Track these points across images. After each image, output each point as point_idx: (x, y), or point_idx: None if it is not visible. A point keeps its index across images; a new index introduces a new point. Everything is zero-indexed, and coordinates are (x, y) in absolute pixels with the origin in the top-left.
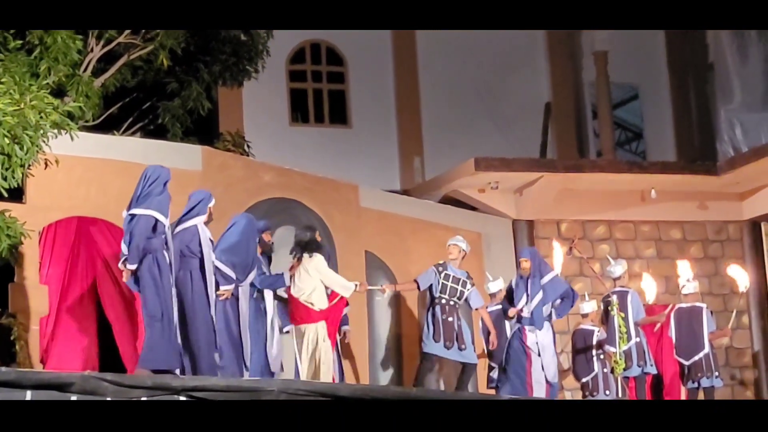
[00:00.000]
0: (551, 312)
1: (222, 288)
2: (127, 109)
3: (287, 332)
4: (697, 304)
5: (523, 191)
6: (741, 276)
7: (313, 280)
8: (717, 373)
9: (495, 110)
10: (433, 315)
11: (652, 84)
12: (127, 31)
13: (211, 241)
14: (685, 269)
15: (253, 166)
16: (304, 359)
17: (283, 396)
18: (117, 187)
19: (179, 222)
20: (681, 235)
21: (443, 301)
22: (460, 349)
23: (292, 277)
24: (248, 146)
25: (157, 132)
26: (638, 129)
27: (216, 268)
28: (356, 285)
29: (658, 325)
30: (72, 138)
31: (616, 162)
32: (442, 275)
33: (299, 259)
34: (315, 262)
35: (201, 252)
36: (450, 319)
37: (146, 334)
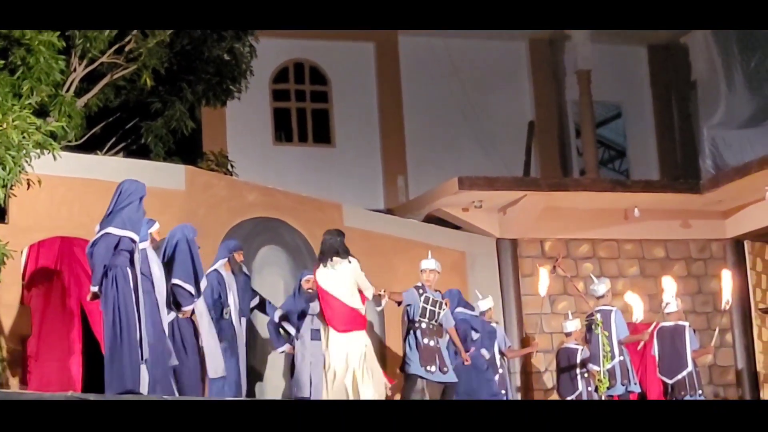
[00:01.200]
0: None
1: (185, 307)
2: (109, 129)
3: (282, 352)
4: (680, 322)
5: (507, 210)
6: (727, 285)
7: (353, 285)
8: (700, 392)
9: (478, 129)
10: (415, 339)
11: (635, 102)
12: (110, 51)
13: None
14: (670, 286)
15: (236, 186)
16: (344, 373)
17: None
18: (100, 207)
19: None
20: (664, 254)
21: (423, 325)
22: (441, 371)
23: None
24: (232, 166)
25: (140, 152)
26: (621, 147)
27: (177, 286)
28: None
29: (642, 343)
30: (55, 158)
31: (600, 180)
32: (423, 298)
33: (327, 264)
34: (355, 266)
35: (152, 274)
36: (431, 343)
37: (105, 357)
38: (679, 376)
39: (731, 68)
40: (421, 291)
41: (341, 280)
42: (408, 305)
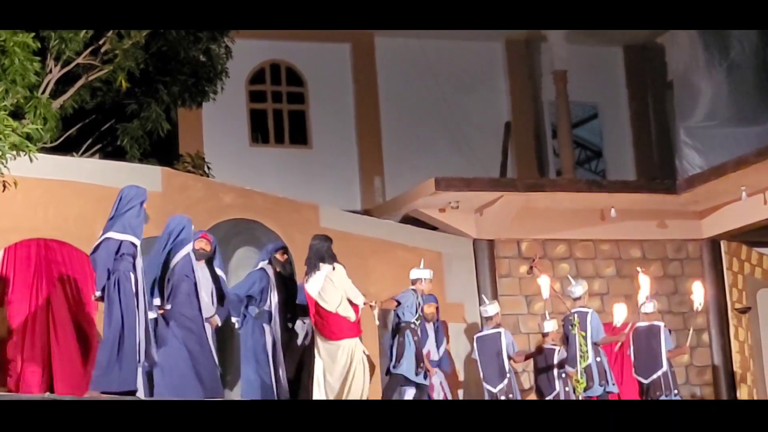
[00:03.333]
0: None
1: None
2: (85, 130)
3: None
4: (656, 322)
5: (484, 211)
6: (699, 294)
7: (339, 291)
8: (676, 392)
9: (455, 130)
10: (409, 339)
11: (611, 103)
12: (86, 52)
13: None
14: (645, 285)
15: (213, 187)
16: (335, 378)
17: None
18: (76, 208)
19: (173, 251)
20: (641, 254)
21: (414, 326)
22: (424, 372)
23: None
24: (208, 167)
25: (116, 153)
26: (598, 148)
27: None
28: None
29: (619, 344)
30: (31, 160)
31: (576, 181)
32: (419, 300)
33: (314, 271)
34: (339, 273)
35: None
36: (420, 343)
37: (98, 355)
38: (654, 376)
39: (708, 68)
40: (417, 294)
41: (328, 287)
42: (401, 306)
